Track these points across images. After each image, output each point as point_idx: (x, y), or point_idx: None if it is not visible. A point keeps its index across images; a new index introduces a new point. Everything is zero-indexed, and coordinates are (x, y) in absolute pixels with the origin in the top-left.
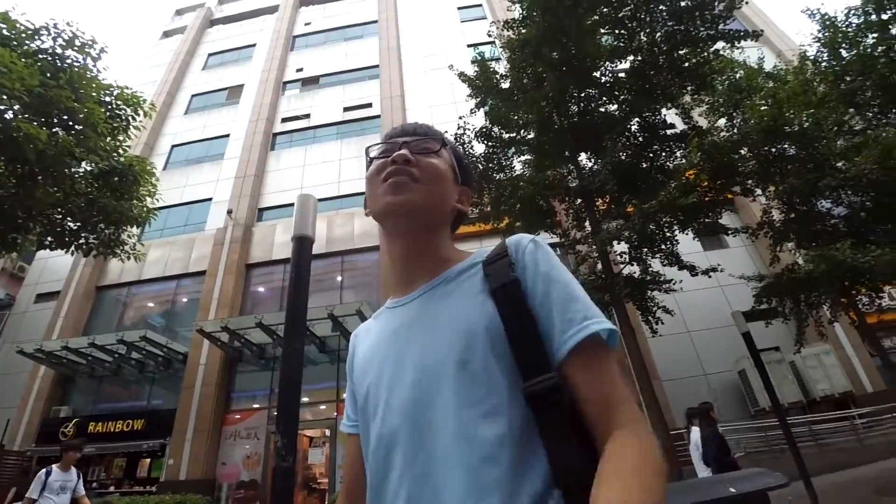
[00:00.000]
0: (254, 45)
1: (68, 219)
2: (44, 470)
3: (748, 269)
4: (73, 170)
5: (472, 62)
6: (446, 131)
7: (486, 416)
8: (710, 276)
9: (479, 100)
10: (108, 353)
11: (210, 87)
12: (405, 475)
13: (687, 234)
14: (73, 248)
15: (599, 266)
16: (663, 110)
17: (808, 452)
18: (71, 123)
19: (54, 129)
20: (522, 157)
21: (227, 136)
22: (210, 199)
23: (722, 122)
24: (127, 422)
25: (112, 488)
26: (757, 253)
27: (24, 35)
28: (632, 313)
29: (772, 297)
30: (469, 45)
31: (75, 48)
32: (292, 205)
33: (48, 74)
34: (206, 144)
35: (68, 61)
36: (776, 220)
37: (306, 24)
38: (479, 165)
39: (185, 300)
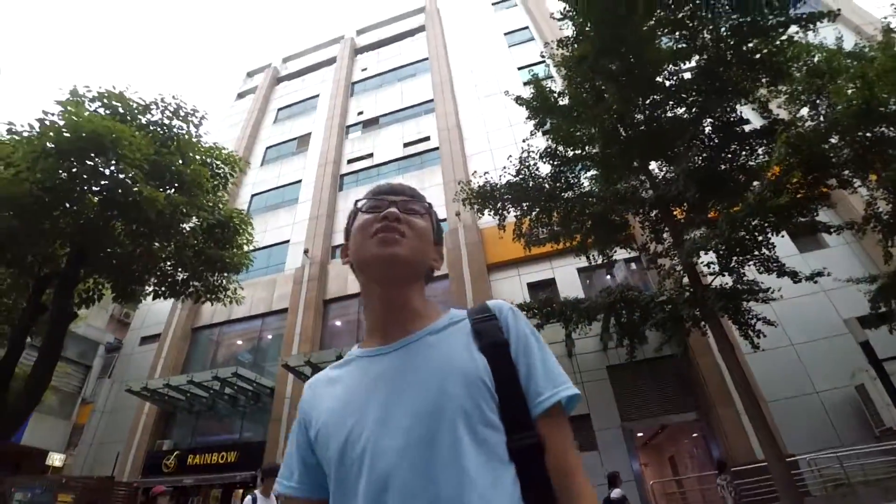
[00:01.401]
0: (317, 96)
1: (179, 270)
2: (249, 497)
3: (853, 270)
4: (183, 226)
5: (526, 83)
6: (510, 156)
7: (485, 462)
8: (815, 282)
9: (537, 120)
10: (204, 389)
11: (281, 139)
12: None
13: (782, 236)
14: (183, 296)
15: (686, 279)
16: (738, 106)
17: None
18: (178, 184)
19: (168, 191)
20: (589, 173)
21: (300, 181)
22: (288, 241)
23: (804, 111)
24: (222, 454)
25: None
26: (863, 250)
27: (136, 111)
28: (727, 328)
29: (891, 300)
30: (519, 68)
31: (180, 118)
32: None
33: (158, 143)
34: (281, 191)
35: (174, 130)
36: (883, 212)
37: (363, 70)
38: (546, 185)
39: (269, 337)
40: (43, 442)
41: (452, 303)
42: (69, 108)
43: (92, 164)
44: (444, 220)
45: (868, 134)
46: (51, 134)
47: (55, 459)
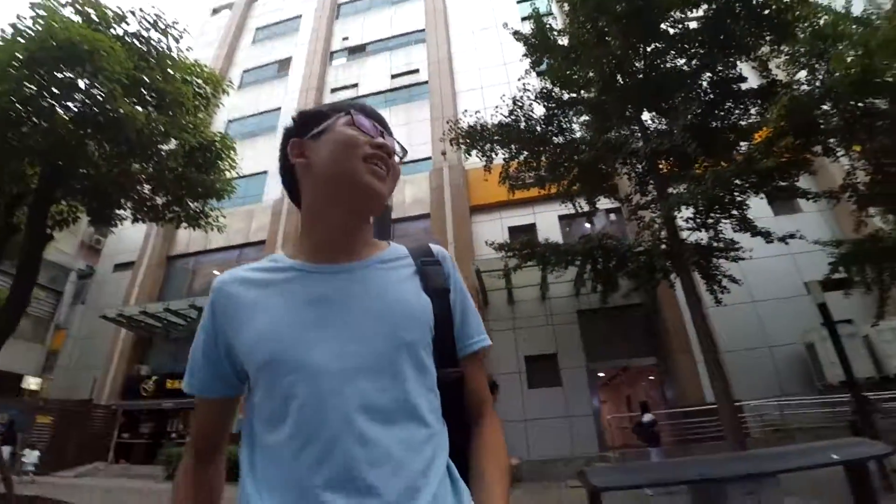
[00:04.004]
0: (300, 17)
1: (159, 194)
2: None
3: (822, 236)
4: (162, 147)
5: (524, 19)
6: (503, 95)
7: (424, 390)
8: (787, 243)
9: (534, 59)
10: (181, 317)
11: (260, 62)
12: (344, 434)
13: (760, 197)
14: (163, 220)
15: (664, 233)
16: (738, 63)
17: (881, 429)
18: (158, 103)
19: (147, 109)
20: (582, 118)
21: (279, 109)
22: (266, 172)
23: (802, 74)
24: None
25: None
26: (834, 218)
27: (112, 19)
28: (695, 281)
29: (851, 266)
30: (518, 1)
31: (159, 30)
32: None
33: (137, 56)
34: (259, 118)
35: (153, 43)
36: (860, 183)
37: None
38: (538, 128)
39: None
40: (16, 366)
41: (433, 242)
42: (43, 12)
43: (62, 76)
44: (429, 158)
45: (860, 104)
46: (20, 40)
47: (31, 383)
